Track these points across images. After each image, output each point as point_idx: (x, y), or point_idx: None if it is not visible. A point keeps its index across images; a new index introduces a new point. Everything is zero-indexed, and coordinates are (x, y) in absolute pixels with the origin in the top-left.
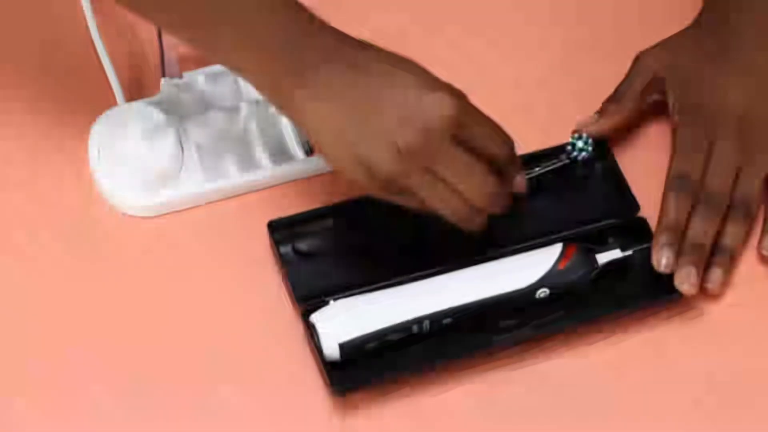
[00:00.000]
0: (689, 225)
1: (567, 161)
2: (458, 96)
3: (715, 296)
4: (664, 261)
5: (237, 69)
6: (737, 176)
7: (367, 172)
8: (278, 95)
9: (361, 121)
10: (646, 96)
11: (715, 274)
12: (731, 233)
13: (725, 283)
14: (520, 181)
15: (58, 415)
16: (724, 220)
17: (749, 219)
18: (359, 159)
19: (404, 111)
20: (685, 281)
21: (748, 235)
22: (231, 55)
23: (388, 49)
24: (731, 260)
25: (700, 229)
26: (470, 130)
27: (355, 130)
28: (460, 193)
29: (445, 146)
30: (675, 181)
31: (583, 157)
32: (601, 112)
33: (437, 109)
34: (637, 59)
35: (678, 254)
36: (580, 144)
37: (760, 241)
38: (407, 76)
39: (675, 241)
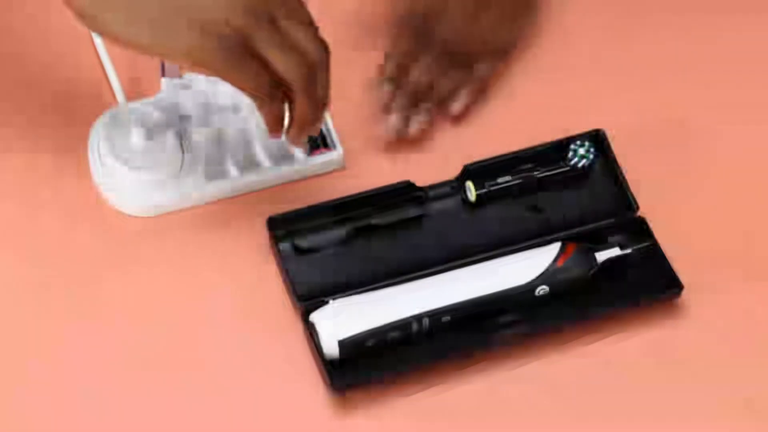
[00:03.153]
0: (409, 74)
1: (567, 168)
2: None
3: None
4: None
5: None
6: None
7: (206, 34)
8: None
9: None
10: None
11: (422, 111)
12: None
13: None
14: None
15: (59, 415)
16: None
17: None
18: (197, 23)
19: None
20: (389, 123)
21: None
22: None
23: None
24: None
25: (417, 78)
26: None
27: None
28: (297, 50)
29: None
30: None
31: (584, 165)
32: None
33: None
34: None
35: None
36: (581, 151)
37: (449, 106)
38: None
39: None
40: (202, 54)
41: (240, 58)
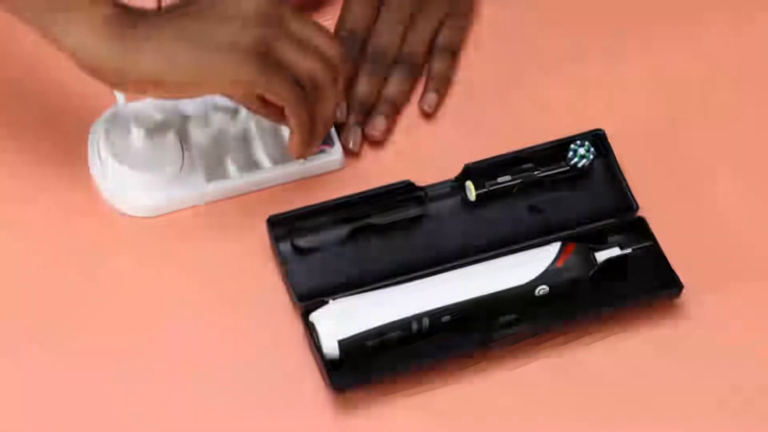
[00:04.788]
0: (356, 84)
1: (567, 168)
2: None
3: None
4: (351, 142)
5: (60, 31)
6: (408, 28)
7: (236, 53)
8: (115, 42)
9: (209, 19)
10: None
11: (376, 120)
12: (395, 87)
13: (389, 130)
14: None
15: (57, 415)
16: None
17: (414, 74)
18: (223, 47)
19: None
20: (351, 139)
21: (412, 87)
22: (54, 17)
23: None
24: (394, 109)
25: (366, 89)
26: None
27: (208, 26)
28: (315, 49)
29: (292, 10)
30: (343, 39)
31: (584, 165)
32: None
33: None
34: None
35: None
36: (581, 151)
37: (422, 97)
38: None
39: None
40: (247, 75)
41: (276, 70)
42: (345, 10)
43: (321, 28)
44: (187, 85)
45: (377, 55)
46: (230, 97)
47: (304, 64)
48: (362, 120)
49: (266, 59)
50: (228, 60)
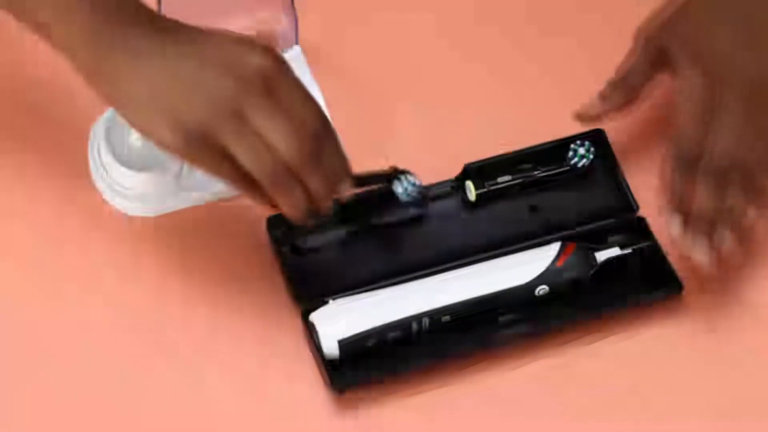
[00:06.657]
0: (696, 200)
1: (567, 168)
2: (276, 54)
3: (722, 279)
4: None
5: (44, 31)
6: (741, 138)
7: (177, 125)
8: (87, 59)
9: (176, 75)
10: (653, 71)
11: (723, 236)
12: (734, 197)
13: (742, 244)
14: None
15: (57, 414)
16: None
17: (753, 184)
18: (171, 112)
19: (220, 63)
20: (698, 252)
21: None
22: (39, 14)
23: None
24: (738, 221)
25: (707, 203)
26: (285, 90)
27: (169, 83)
28: (273, 147)
29: (259, 94)
30: (677, 155)
31: (584, 165)
32: (605, 94)
33: (254, 58)
34: (638, 33)
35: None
36: (581, 151)
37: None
38: (222, 36)
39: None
40: (174, 146)
41: (209, 155)
42: (680, 115)
43: (286, 123)
44: (130, 123)
45: (714, 167)
46: None
47: (242, 162)
48: (707, 230)
49: (203, 144)
50: (168, 131)
